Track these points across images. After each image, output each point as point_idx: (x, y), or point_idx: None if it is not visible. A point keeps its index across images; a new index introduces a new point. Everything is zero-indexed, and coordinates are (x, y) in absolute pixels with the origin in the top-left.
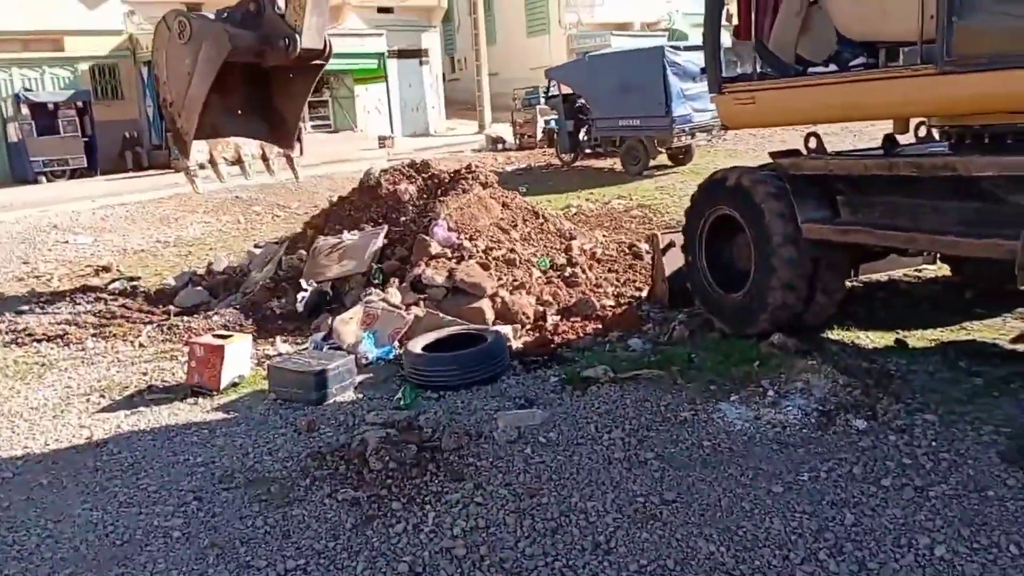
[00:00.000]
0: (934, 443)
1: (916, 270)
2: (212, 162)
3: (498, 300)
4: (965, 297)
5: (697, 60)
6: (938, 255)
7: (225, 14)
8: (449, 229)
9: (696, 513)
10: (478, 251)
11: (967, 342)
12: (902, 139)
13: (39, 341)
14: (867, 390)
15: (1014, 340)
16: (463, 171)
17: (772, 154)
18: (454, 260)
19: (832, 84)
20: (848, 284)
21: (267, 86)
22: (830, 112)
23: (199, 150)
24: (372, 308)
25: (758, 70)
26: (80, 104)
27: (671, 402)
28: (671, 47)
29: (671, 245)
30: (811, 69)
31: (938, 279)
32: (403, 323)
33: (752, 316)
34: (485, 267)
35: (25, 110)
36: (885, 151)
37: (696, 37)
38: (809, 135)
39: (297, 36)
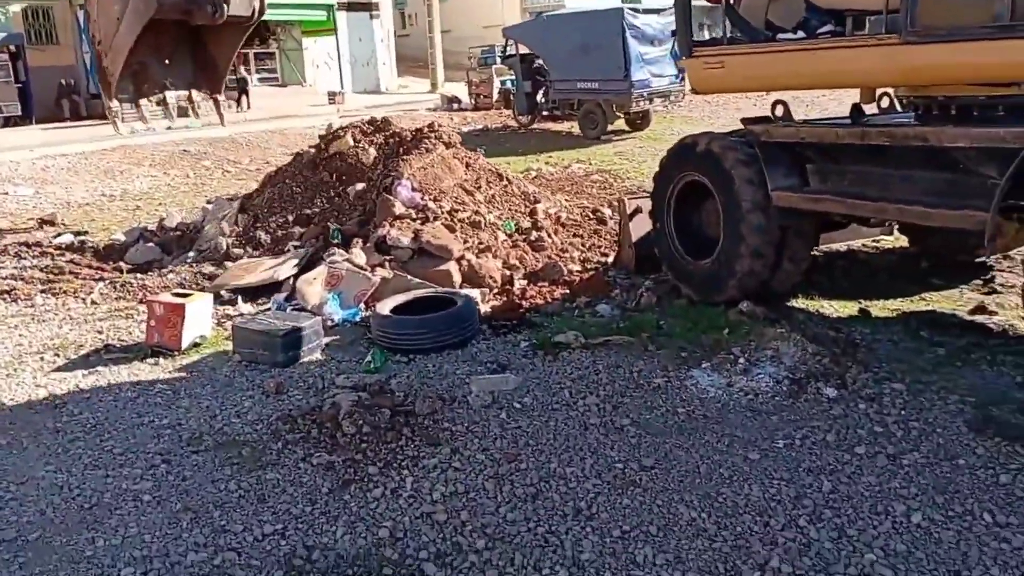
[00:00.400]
0: (903, 412)
1: (874, 240)
2: (136, 103)
3: (465, 263)
4: (922, 267)
5: (656, 23)
6: (896, 226)
7: None
8: (413, 189)
9: (675, 480)
10: (443, 212)
11: (927, 312)
12: (868, 109)
13: None
14: (836, 358)
15: (972, 311)
16: (426, 130)
17: (744, 120)
18: (419, 221)
19: (800, 51)
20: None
21: (197, 33)
22: (798, 79)
23: (123, 90)
24: (337, 268)
25: (728, 35)
26: (12, 48)
27: (643, 368)
28: (631, 9)
29: (637, 211)
30: (780, 36)
31: (895, 250)
32: (369, 284)
33: (720, 283)
34: (451, 229)
35: None
36: (853, 120)
37: (649, 0)
38: (776, 103)
39: (224, 4)
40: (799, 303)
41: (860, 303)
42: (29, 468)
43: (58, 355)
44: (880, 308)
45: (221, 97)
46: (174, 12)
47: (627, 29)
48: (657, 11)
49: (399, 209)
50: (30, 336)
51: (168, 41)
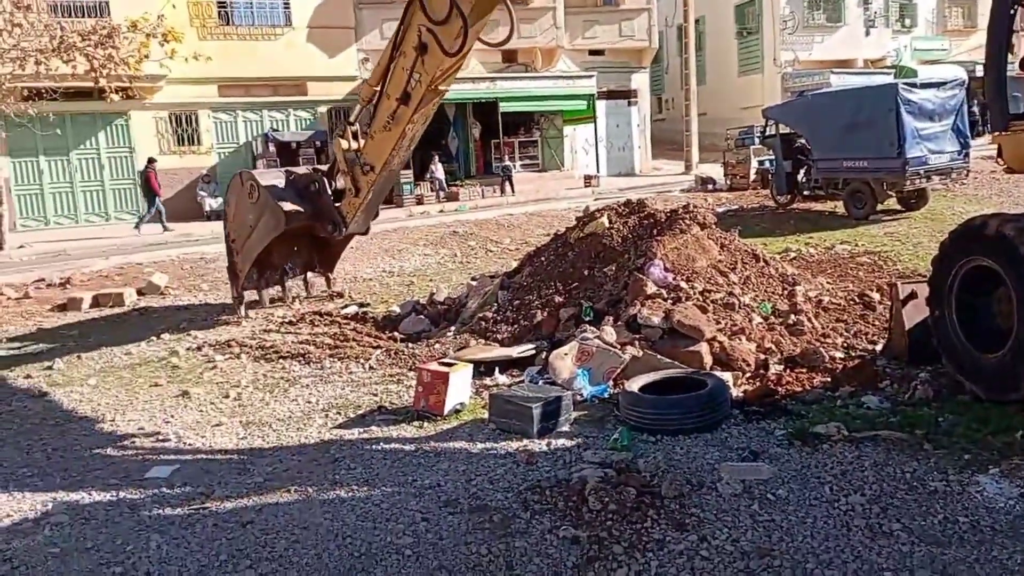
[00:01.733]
0: None
1: None
2: (258, 289)
3: (716, 344)
4: None
5: (935, 98)
6: None
7: (292, 176)
8: (665, 269)
9: None
10: (695, 293)
11: None
12: None
13: (284, 358)
14: None
15: None
16: (680, 211)
17: None
18: (670, 301)
19: None
20: None
21: None
22: None
23: (249, 278)
24: (587, 345)
25: None
26: (318, 143)
27: (917, 469)
28: (905, 84)
29: (912, 296)
30: None
31: None
32: (619, 362)
33: (1014, 380)
34: (703, 310)
35: (272, 148)
36: None
37: (926, 73)
38: None
39: (343, 226)
40: None
41: None
42: (311, 515)
43: (339, 413)
44: None
45: (332, 275)
46: (299, 227)
47: (901, 104)
48: (936, 85)
49: (651, 289)
50: (318, 395)
51: (292, 238)
